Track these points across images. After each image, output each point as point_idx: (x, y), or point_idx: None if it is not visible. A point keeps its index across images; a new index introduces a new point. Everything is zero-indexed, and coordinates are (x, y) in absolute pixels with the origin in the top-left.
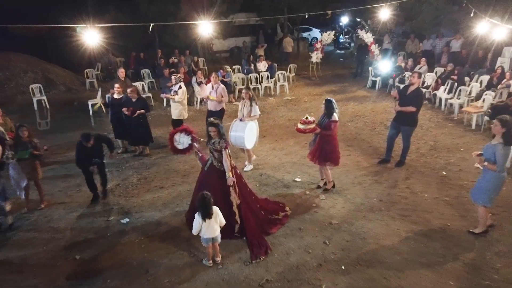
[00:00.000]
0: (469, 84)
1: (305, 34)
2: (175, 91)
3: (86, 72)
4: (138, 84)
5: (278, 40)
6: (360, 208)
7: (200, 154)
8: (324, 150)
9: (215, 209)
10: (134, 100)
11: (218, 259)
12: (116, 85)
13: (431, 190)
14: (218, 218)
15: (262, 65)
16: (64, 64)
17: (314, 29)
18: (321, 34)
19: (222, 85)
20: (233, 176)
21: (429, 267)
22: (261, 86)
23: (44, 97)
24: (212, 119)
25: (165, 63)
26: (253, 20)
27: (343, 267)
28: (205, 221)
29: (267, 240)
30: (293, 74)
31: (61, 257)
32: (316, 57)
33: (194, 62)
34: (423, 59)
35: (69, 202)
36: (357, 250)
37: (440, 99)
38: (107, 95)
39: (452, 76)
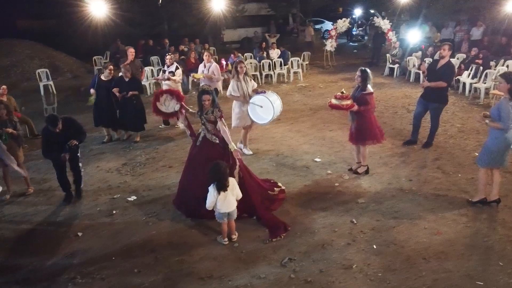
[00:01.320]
0: (494, 68)
1: (317, 26)
2: (171, 72)
3: (94, 59)
4: (147, 69)
5: (290, 29)
6: (389, 187)
7: (189, 126)
8: (363, 128)
9: (231, 180)
10: (126, 79)
11: (235, 236)
12: (110, 67)
13: (464, 171)
14: (235, 191)
15: (275, 53)
16: (71, 51)
17: (327, 22)
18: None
19: (215, 64)
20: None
21: (474, 247)
22: (274, 73)
23: (51, 82)
24: (204, 85)
25: (174, 51)
26: (264, 10)
27: (374, 247)
28: (220, 194)
29: (280, 217)
30: (307, 62)
31: (62, 234)
32: (330, 45)
33: (205, 50)
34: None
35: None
36: (389, 229)
37: (464, 84)
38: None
39: (477, 61)
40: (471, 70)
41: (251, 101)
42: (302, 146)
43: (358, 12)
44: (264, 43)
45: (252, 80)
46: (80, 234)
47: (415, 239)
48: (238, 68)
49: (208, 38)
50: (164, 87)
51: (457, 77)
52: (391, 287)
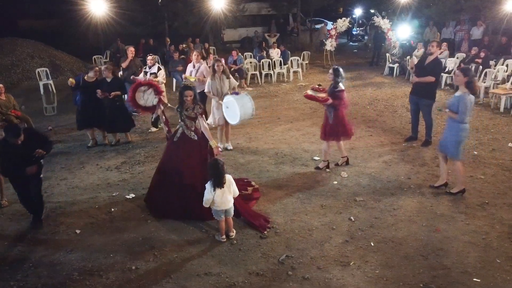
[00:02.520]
0: (494, 68)
1: (318, 26)
2: (153, 73)
3: (94, 58)
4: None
5: (290, 29)
6: (387, 185)
7: (166, 123)
8: (337, 124)
9: (228, 177)
10: (108, 80)
11: (232, 234)
12: (96, 68)
13: (464, 169)
14: (232, 188)
15: (275, 53)
16: (72, 51)
17: (327, 22)
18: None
19: (204, 64)
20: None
21: (473, 244)
22: (273, 72)
23: (51, 81)
24: (187, 82)
25: (175, 50)
26: (265, 10)
27: (372, 244)
28: (216, 190)
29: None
30: (307, 62)
31: (60, 231)
32: (330, 44)
33: (205, 49)
34: (444, 44)
35: (71, 179)
36: (387, 227)
37: None
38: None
39: (477, 60)
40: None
41: (224, 100)
42: (301, 145)
43: (358, 12)
44: (264, 42)
45: (231, 78)
46: (78, 231)
47: (413, 236)
48: (215, 67)
49: (209, 38)
50: None
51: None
52: (389, 283)
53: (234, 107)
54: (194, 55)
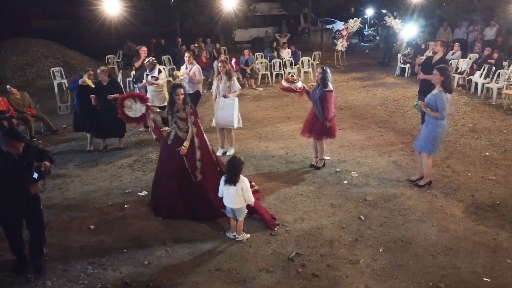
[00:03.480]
0: (507, 69)
1: (329, 26)
2: (154, 76)
3: (107, 58)
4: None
5: (301, 29)
6: (397, 185)
7: (154, 126)
8: (321, 123)
9: (244, 180)
10: (104, 83)
11: (239, 237)
12: (91, 71)
13: (475, 170)
14: (243, 192)
15: (286, 53)
16: (85, 50)
17: (338, 22)
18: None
19: (197, 65)
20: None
21: (483, 245)
22: (284, 72)
23: (65, 81)
24: (177, 80)
25: (186, 50)
26: (276, 10)
27: (382, 243)
28: (226, 185)
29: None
30: (318, 62)
31: (74, 226)
32: (341, 45)
33: (216, 49)
34: (456, 44)
35: (85, 176)
36: (397, 226)
37: (476, 84)
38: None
39: (489, 61)
40: (483, 70)
41: (216, 101)
42: (311, 144)
43: (370, 12)
44: (275, 42)
45: (234, 81)
46: (92, 227)
47: (423, 236)
48: (218, 68)
49: (220, 38)
50: (149, 94)
51: (469, 77)
52: (398, 282)
53: (237, 109)
54: (186, 57)
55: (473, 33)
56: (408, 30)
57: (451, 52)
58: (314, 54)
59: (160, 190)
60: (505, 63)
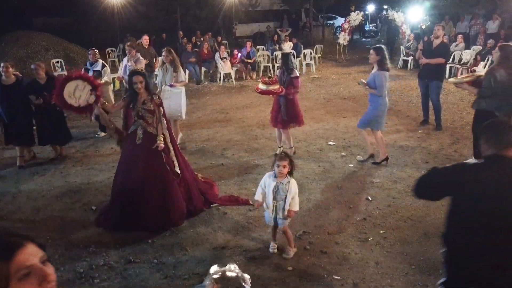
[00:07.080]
0: None
1: (330, 22)
2: (97, 71)
3: (108, 51)
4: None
5: (303, 24)
6: (405, 168)
7: (114, 131)
8: (288, 111)
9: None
10: (42, 82)
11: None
12: (9, 67)
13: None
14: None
15: (287, 46)
16: (85, 44)
17: (339, 18)
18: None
19: (141, 57)
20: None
21: None
22: None
23: (65, 73)
24: (132, 68)
25: (187, 43)
26: (277, 5)
27: (391, 222)
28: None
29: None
30: (319, 55)
31: (77, 208)
32: (343, 38)
33: (218, 42)
34: (460, 36)
35: (86, 161)
36: (406, 207)
37: None
38: None
39: (493, 52)
40: (487, 61)
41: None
42: (316, 131)
43: (371, 8)
44: (276, 36)
45: (180, 72)
46: (94, 208)
47: (432, 215)
48: (163, 57)
49: (221, 32)
50: None
51: (473, 68)
52: (409, 258)
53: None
54: (126, 49)
55: (476, 27)
56: (412, 14)
57: (454, 43)
58: (316, 47)
59: (123, 196)
60: None
